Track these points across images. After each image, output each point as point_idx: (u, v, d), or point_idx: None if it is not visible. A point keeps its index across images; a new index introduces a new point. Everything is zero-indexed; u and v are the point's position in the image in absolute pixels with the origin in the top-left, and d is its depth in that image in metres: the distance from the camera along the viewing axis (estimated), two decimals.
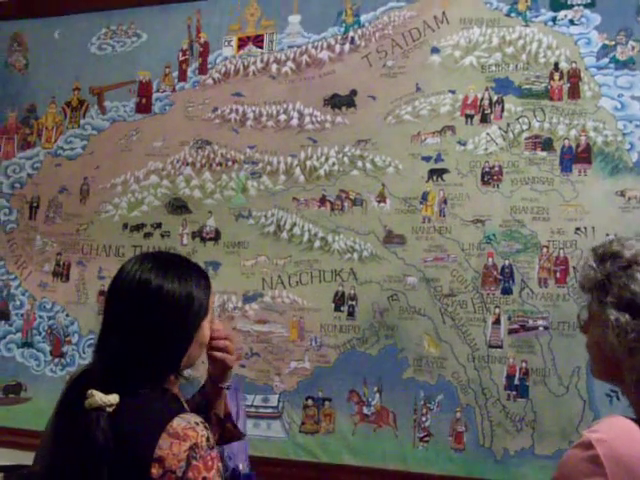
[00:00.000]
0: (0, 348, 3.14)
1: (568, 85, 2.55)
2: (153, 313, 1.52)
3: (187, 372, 1.69)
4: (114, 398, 1.46)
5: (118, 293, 1.60)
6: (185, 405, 1.59)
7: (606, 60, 2.52)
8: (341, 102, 2.81)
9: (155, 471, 1.38)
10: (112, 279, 1.62)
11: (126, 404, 1.47)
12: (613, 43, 2.52)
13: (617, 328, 1.42)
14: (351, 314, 2.66)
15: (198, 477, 1.40)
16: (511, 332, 2.48)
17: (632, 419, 1.34)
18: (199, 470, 1.40)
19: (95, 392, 1.46)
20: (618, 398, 2.34)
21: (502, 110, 2.61)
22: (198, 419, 1.47)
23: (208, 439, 1.45)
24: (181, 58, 3.09)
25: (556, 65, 2.57)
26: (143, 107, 3.11)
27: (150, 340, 1.51)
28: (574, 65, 2.55)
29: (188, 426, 1.43)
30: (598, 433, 1.29)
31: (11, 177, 3.27)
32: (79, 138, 3.20)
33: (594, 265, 1.46)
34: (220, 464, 1.47)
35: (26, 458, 1.75)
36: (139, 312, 1.53)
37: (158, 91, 3.10)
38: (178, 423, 1.43)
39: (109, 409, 1.45)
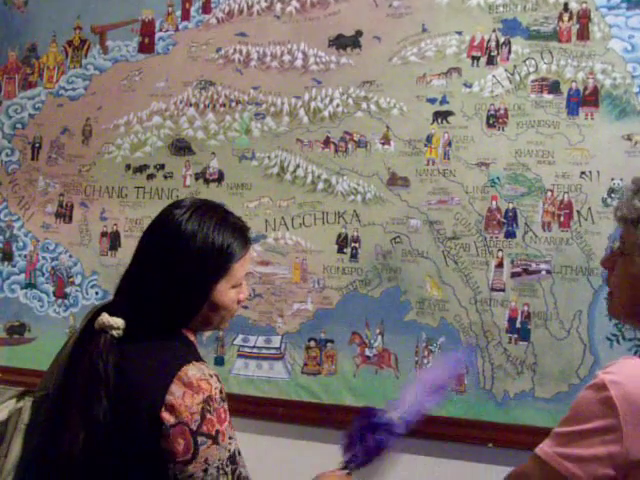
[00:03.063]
0: (4, 289, 3.15)
1: (577, 26, 2.50)
2: (167, 254, 1.52)
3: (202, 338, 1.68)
4: (119, 321, 1.47)
5: (149, 228, 1.60)
6: (199, 354, 1.59)
7: (617, 0, 2.48)
8: (346, 43, 2.77)
9: (167, 417, 1.40)
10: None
11: (136, 340, 1.48)
12: None
13: None
14: (354, 256, 2.66)
15: (212, 430, 1.42)
16: (514, 275, 2.48)
17: None
18: (212, 423, 1.42)
19: (103, 314, 1.48)
20: (618, 342, 2.35)
21: (509, 52, 2.57)
22: (212, 371, 1.48)
23: (221, 391, 1.46)
24: None
25: (565, 5, 2.51)
26: (146, 47, 3.07)
27: (160, 280, 1.51)
28: (584, 5, 2.49)
29: (202, 377, 1.44)
30: (612, 374, 1.28)
31: (13, 117, 3.24)
32: (81, 78, 3.16)
33: None
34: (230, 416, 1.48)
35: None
36: (156, 249, 1.54)
37: (161, 30, 3.05)
38: (193, 373, 1.44)
39: (114, 332, 1.46)
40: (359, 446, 1.77)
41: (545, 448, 1.33)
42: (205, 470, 1.41)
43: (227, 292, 1.57)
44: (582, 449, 1.27)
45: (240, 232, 1.60)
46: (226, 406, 1.47)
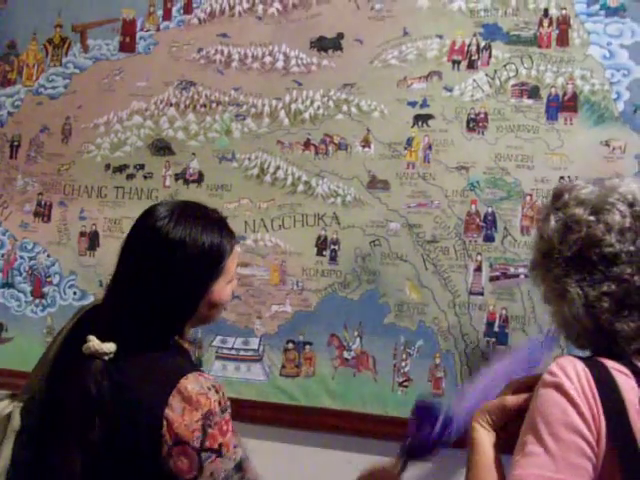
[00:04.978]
0: None
1: (557, 32, 2.52)
2: (159, 265, 1.50)
3: (192, 335, 1.67)
4: (110, 346, 1.45)
5: (132, 240, 1.58)
6: (194, 362, 1.59)
7: (597, 7, 2.48)
8: (327, 45, 2.77)
9: (167, 435, 1.39)
10: (133, 224, 1.60)
11: (131, 355, 1.47)
12: None
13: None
14: (333, 259, 2.66)
15: (214, 444, 1.42)
16: (492, 279, 2.49)
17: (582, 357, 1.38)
18: (215, 438, 1.42)
19: (92, 338, 1.45)
20: None
21: (489, 56, 2.58)
22: (209, 382, 1.47)
23: (220, 402, 1.45)
24: None
25: (546, 11, 2.53)
26: (127, 46, 3.05)
27: (156, 292, 1.50)
28: (564, 12, 2.51)
29: (201, 391, 1.43)
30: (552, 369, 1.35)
31: None
32: (61, 77, 3.14)
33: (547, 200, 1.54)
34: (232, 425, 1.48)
35: None
36: (146, 262, 1.52)
37: (142, 30, 3.04)
38: (192, 387, 1.43)
39: (105, 357, 1.44)
40: (418, 437, 1.76)
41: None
42: None
43: (224, 289, 1.60)
44: None
45: (224, 227, 1.62)
46: (228, 416, 1.47)
